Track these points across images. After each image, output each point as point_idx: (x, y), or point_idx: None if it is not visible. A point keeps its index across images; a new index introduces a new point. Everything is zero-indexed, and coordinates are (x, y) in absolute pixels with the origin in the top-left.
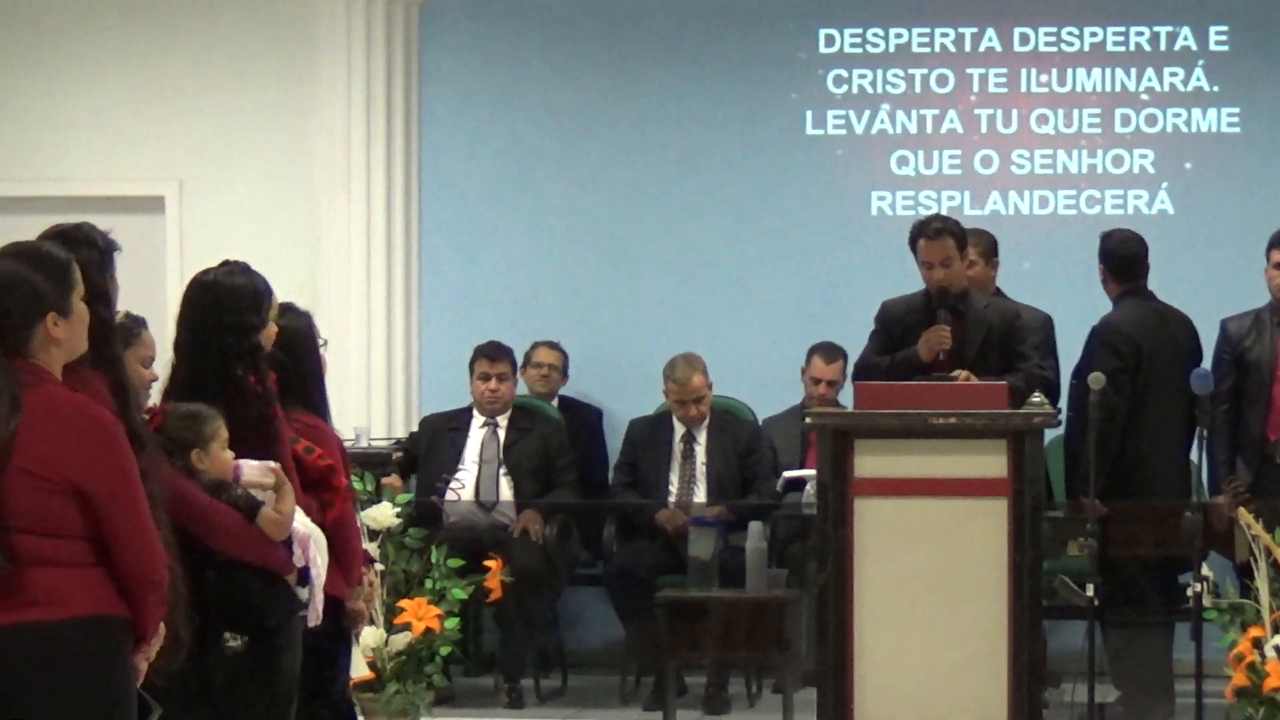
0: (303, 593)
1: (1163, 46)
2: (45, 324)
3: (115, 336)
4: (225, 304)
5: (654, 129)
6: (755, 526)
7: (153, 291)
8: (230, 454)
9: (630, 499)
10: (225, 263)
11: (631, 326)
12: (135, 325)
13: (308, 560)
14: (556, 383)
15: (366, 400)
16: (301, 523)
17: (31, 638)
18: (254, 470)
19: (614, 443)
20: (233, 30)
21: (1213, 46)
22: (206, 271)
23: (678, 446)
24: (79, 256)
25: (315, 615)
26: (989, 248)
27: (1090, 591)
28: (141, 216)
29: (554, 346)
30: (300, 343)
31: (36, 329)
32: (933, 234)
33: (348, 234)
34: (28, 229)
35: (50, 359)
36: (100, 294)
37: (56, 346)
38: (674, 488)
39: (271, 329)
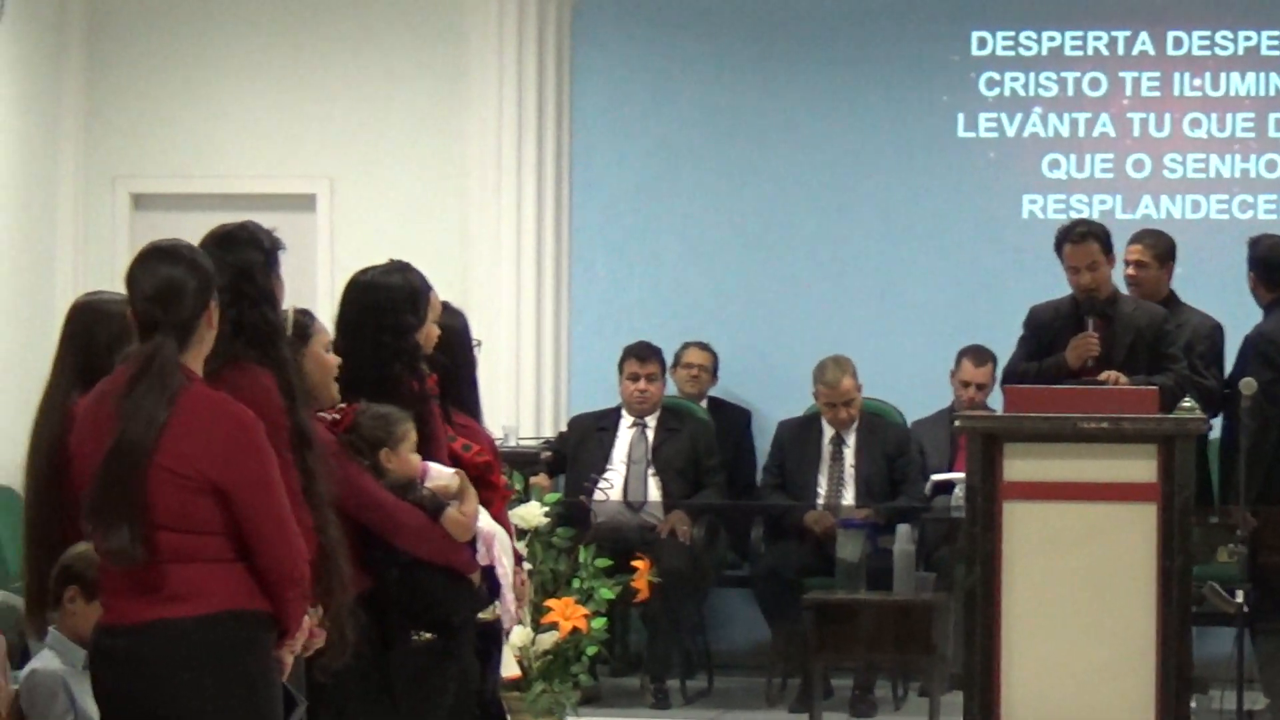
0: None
1: None
2: (204, 320)
3: (282, 337)
4: (383, 304)
5: (805, 130)
6: (903, 529)
7: (303, 289)
8: (418, 456)
9: (778, 500)
10: (389, 261)
11: (781, 328)
12: (306, 318)
13: (493, 559)
14: (706, 384)
15: (515, 400)
16: (486, 522)
17: (173, 633)
18: (440, 474)
19: (763, 444)
20: (385, 29)
21: None
22: (365, 271)
23: (826, 448)
24: (245, 258)
25: (509, 616)
26: (1165, 251)
27: (1239, 598)
28: (293, 214)
29: (704, 347)
30: (457, 343)
31: (197, 324)
32: (1077, 238)
33: (498, 233)
34: (183, 225)
35: (198, 356)
36: (266, 295)
37: (204, 344)
38: (822, 490)
39: (433, 330)
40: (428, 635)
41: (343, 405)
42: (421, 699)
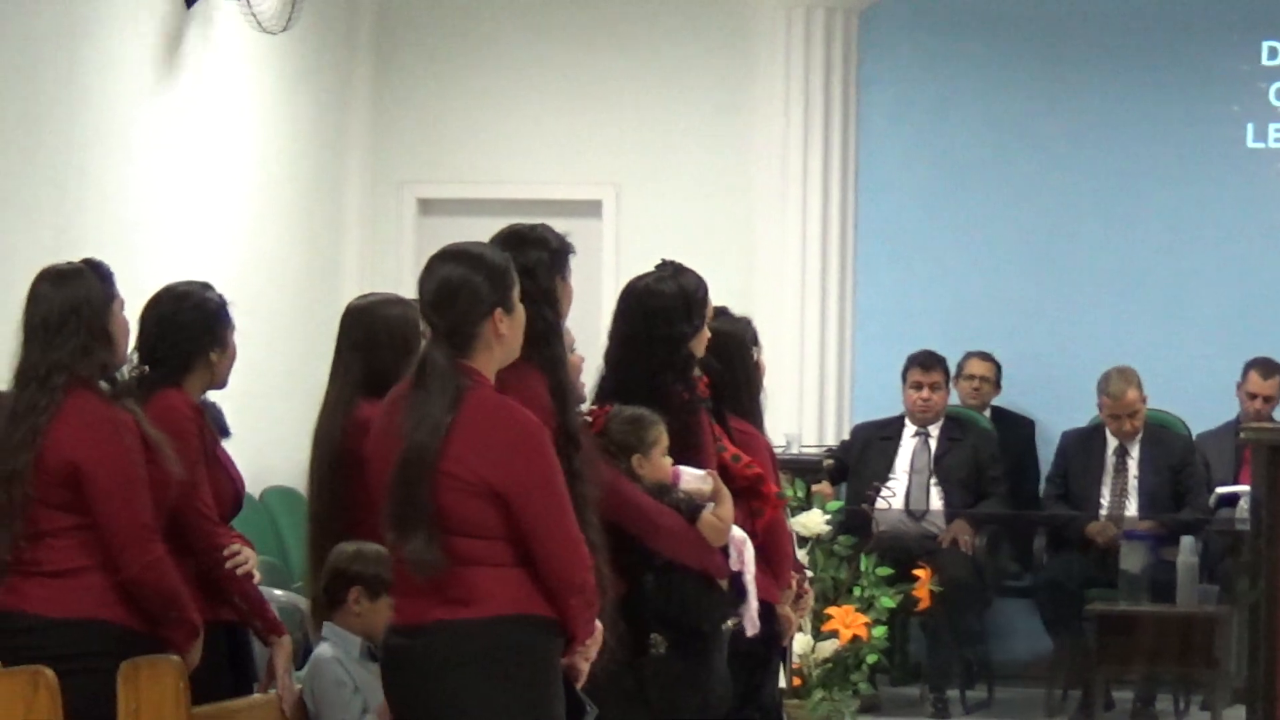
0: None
1: None
2: (491, 323)
3: (558, 337)
4: (656, 313)
5: (1091, 139)
6: (1187, 541)
7: (589, 294)
8: (670, 460)
9: (1061, 511)
10: (662, 263)
11: (1065, 338)
12: None
13: (742, 566)
14: (988, 394)
15: (798, 407)
16: (735, 529)
17: (457, 634)
18: (692, 477)
19: (1045, 454)
20: (672, 37)
21: None
22: (640, 278)
23: (1110, 459)
24: (529, 258)
25: (752, 623)
26: None
27: None
28: (579, 220)
29: (986, 357)
30: (735, 348)
31: (481, 329)
32: None
33: (783, 241)
34: (469, 230)
35: (489, 360)
36: (546, 295)
37: (498, 346)
38: (1105, 500)
39: (703, 333)
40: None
41: (594, 407)
42: (675, 705)
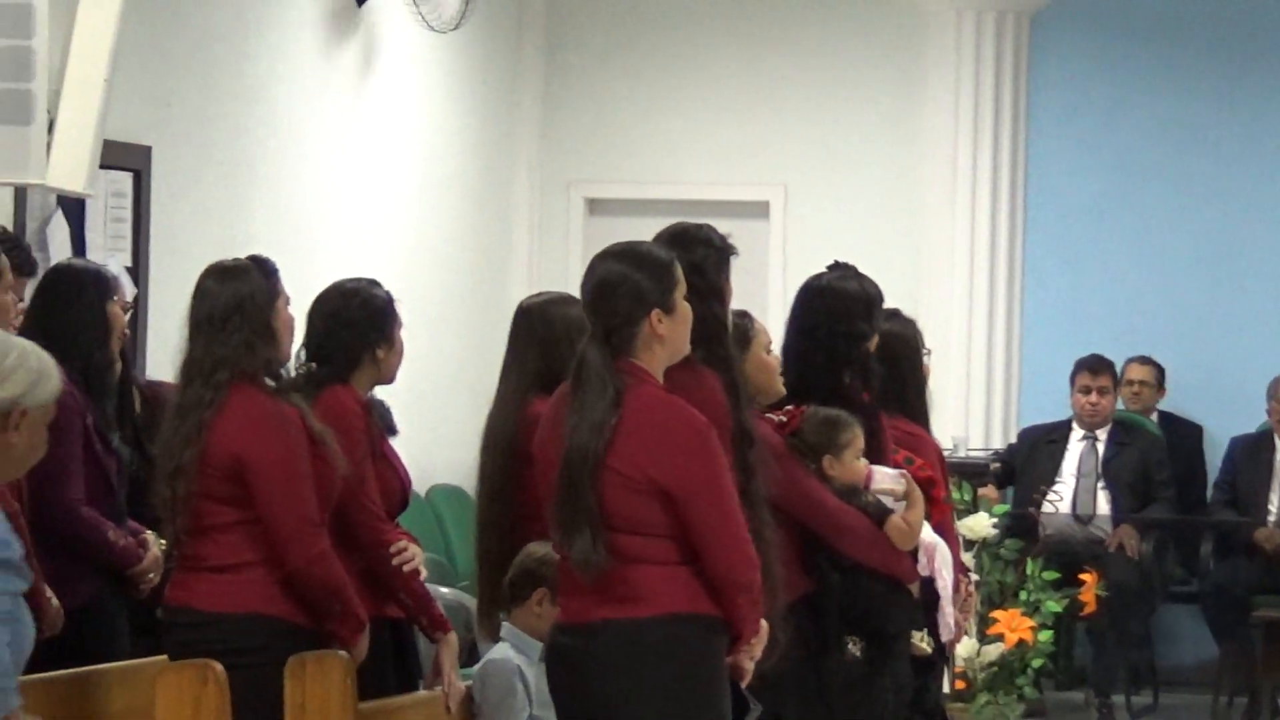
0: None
1: None
2: (649, 322)
3: (728, 335)
4: (836, 310)
5: (1264, 141)
6: None
7: (755, 294)
8: (864, 462)
9: (1229, 517)
10: (835, 265)
11: (1235, 343)
12: (746, 320)
13: (933, 571)
14: (1148, 399)
15: (965, 410)
16: (927, 534)
17: (621, 633)
18: (885, 477)
19: (1214, 459)
20: (842, 39)
21: None
22: (818, 276)
23: (1279, 466)
24: (696, 255)
25: (947, 629)
26: None
27: None
28: (747, 221)
29: (1146, 361)
30: (902, 350)
31: (640, 328)
32: None
33: (951, 243)
34: (637, 230)
35: (653, 358)
36: (716, 292)
37: (660, 345)
38: (1274, 507)
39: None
40: (861, 645)
41: (790, 407)
42: (855, 707)
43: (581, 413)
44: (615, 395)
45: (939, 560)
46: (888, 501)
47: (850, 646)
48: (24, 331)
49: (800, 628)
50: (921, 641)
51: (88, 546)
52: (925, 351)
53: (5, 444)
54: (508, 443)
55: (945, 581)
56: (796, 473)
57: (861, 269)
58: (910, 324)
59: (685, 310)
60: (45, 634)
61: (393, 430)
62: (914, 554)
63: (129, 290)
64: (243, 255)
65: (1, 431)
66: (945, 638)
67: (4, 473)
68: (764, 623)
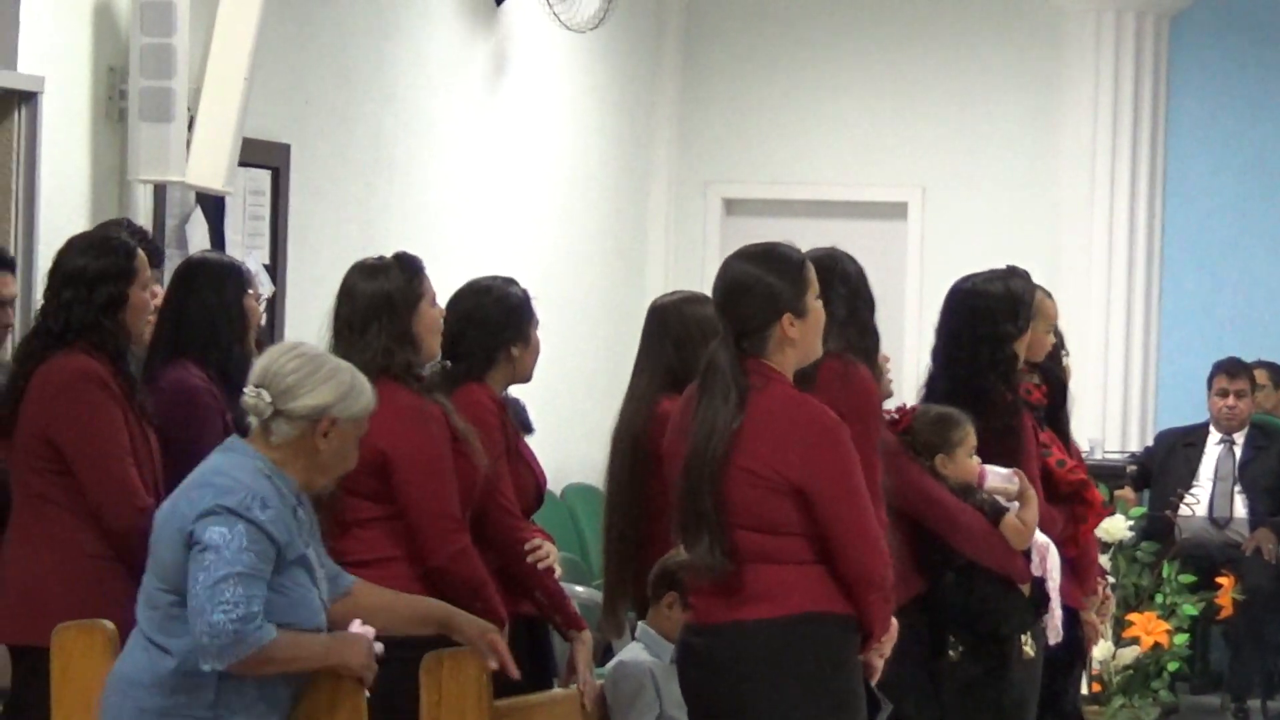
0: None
1: None
2: (781, 325)
3: (872, 337)
4: (981, 312)
5: None
6: None
7: (892, 296)
8: (976, 460)
9: None
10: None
11: None
12: None
13: (1044, 572)
14: (1276, 401)
15: (1102, 412)
16: (1038, 534)
17: (751, 633)
18: (998, 476)
19: None
20: (980, 39)
21: None
22: (967, 277)
23: None
24: (847, 267)
25: (1055, 632)
26: None
27: None
28: (884, 222)
29: (1265, 366)
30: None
31: (772, 330)
32: None
33: (1089, 245)
34: (774, 231)
35: (784, 360)
36: (864, 298)
37: (791, 347)
38: None
39: (1045, 339)
40: (960, 650)
41: (901, 405)
42: (968, 708)
43: (705, 415)
44: (739, 399)
45: (1050, 562)
46: (1001, 501)
47: (950, 651)
48: (160, 324)
49: (913, 628)
50: (1025, 644)
51: None
52: (1065, 354)
53: (312, 448)
54: (635, 441)
55: (1055, 583)
56: (912, 471)
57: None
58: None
59: (817, 312)
60: None
61: (528, 428)
62: (1028, 553)
63: (267, 287)
64: (380, 254)
65: (310, 436)
66: (1053, 640)
67: (312, 478)
68: (894, 620)
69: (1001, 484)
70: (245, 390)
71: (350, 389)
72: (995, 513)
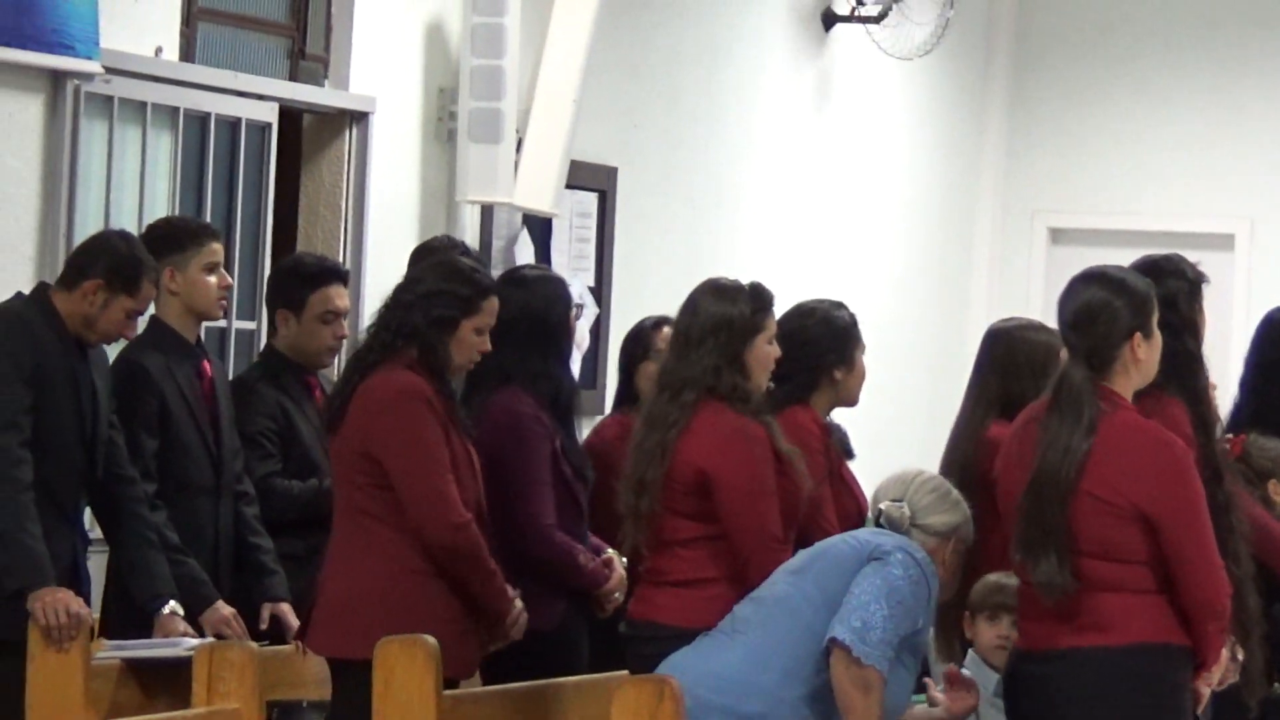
0: None
1: None
2: (1129, 346)
3: (1200, 368)
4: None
5: None
6: None
7: (1219, 327)
8: None
9: None
10: None
11: None
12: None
13: None
14: None
15: None
16: None
17: (1087, 661)
18: None
19: None
20: None
21: None
22: (1278, 308)
23: None
24: (1169, 288)
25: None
26: None
27: None
28: (1211, 253)
29: None
30: None
31: (1120, 351)
32: None
33: None
34: (1098, 261)
35: (1127, 382)
36: (1188, 325)
37: (1135, 369)
38: None
39: None
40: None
41: (1230, 435)
42: None
43: (1056, 435)
44: (1091, 421)
45: None
46: None
47: (1278, 683)
48: (490, 354)
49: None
50: None
51: (559, 570)
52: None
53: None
54: (965, 464)
55: None
56: (1244, 499)
57: None
58: None
59: (1158, 337)
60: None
61: (850, 454)
62: None
63: (591, 311)
64: (702, 277)
65: (939, 550)
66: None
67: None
68: (1224, 651)
69: None
70: None
71: (967, 518)
72: None
